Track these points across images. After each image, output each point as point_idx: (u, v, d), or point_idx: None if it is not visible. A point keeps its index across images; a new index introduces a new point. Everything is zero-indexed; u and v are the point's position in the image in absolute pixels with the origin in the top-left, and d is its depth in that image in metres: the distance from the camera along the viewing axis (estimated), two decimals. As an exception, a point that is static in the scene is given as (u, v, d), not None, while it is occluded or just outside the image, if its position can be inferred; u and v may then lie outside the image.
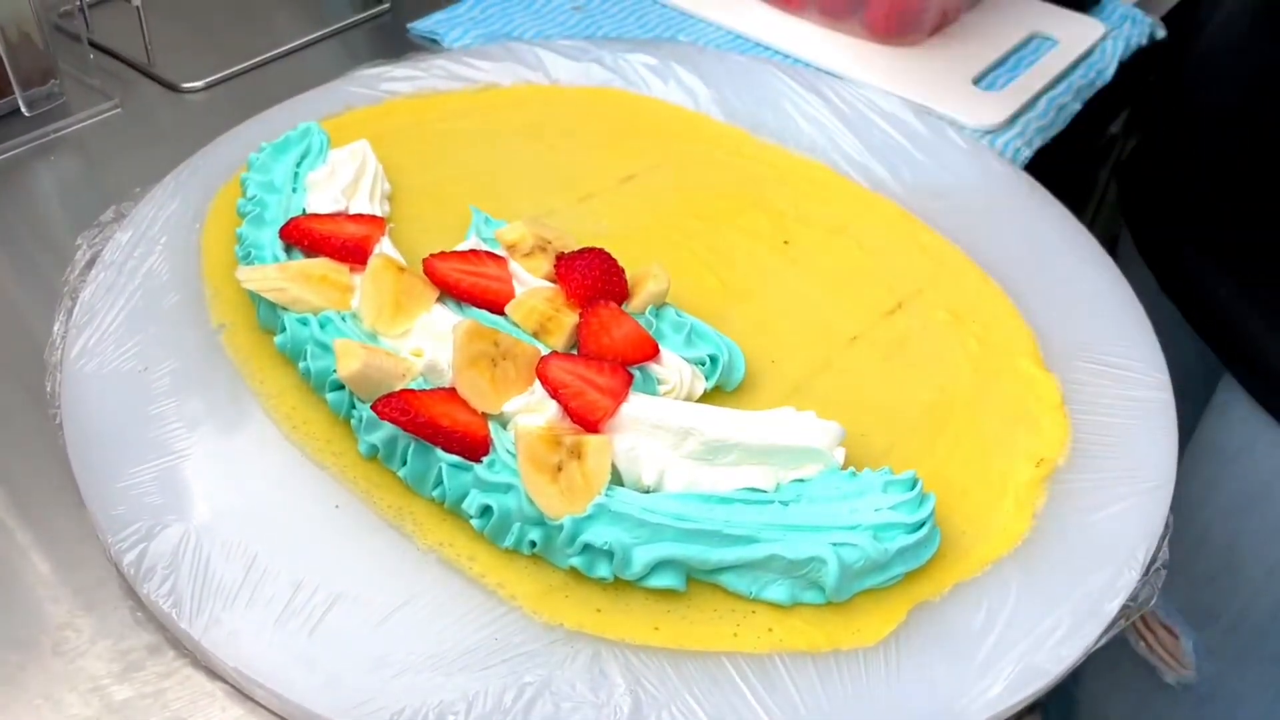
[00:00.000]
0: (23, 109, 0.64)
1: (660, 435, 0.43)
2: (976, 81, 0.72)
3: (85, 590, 0.42)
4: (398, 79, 0.67)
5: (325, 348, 0.46)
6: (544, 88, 0.68)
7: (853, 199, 0.61)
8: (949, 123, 0.67)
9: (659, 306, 0.50)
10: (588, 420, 0.44)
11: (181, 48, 0.73)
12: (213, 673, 0.40)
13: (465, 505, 0.42)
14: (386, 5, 0.79)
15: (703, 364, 0.48)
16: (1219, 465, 0.63)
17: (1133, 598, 0.42)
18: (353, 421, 0.45)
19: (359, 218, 0.52)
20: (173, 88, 0.70)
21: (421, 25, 0.77)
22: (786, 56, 0.74)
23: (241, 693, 0.39)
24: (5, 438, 0.48)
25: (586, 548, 0.41)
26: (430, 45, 0.76)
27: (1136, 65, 0.78)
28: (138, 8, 0.70)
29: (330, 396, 0.46)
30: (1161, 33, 0.80)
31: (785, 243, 0.58)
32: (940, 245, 0.58)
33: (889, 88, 0.70)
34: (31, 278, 0.57)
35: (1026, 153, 0.68)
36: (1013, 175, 0.63)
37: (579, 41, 0.72)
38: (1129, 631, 0.69)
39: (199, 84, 0.70)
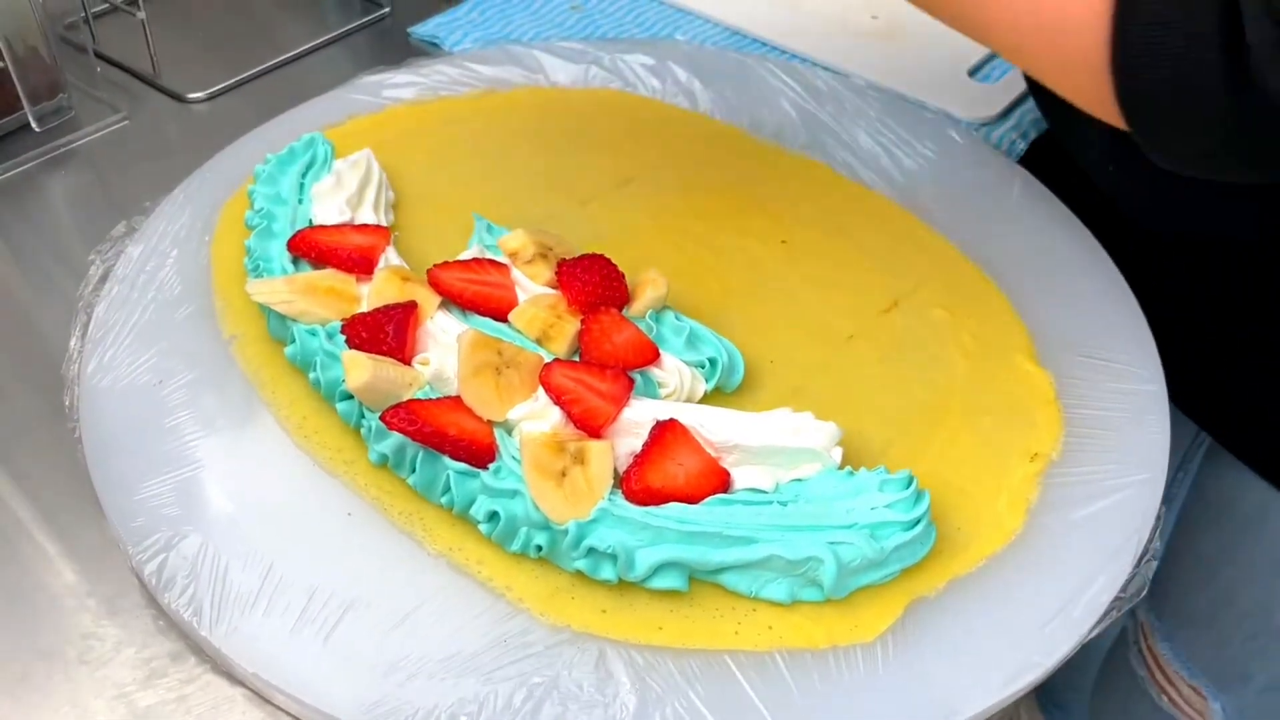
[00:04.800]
0: (33, 124, 0.65)
1: (661, 439, 0.44)
2: (972, 74, 0.72)
3: (109, 599, 0.44)
4: (399, 85, 0.68)
5: (335, 358, 0.47)
6: (544, 90, 0.69)
7: (850, 197, 0.62)
8: (944, 116, 0.68)
9: (659, 310, 0.51)
10: (590, 425, 0.45)
11: (185, 58, 0.74)
12: (233, 678, 0.41)
13: (473, 511, 0.44)
14: (386, 9, 0.80)
15: (702, 366, 0.49)
16: (1238, 527, 0.60)
17: (1124, 589, 0.43)
18: (362, 430, 0.47)
19: (364, 228, 0.54)
20: (178, 98, 0.71)
21: (422, 29, 0.78)
22: (783, 52, 0.75)
23: (261, 697, 0.41)
24: (29, 450, 0.50)
25: (591, 551, 0.42)
26: (431, 49, 0.76)
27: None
28: (142, 20, 0.71)
29: (340, 406, 0.47)
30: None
31: (783, 242, 0.59)
32: (936, 242, 0.59)
33: (885, 81, 0.70)
34: (47, 291, 0.58)
35: (1021, 145, 0.68)
36: (1008, 170, 0.64)
37: (577, 43, 0.72)
38: (1150, 684, 0.67)
39: (203, 94, 0.71)
